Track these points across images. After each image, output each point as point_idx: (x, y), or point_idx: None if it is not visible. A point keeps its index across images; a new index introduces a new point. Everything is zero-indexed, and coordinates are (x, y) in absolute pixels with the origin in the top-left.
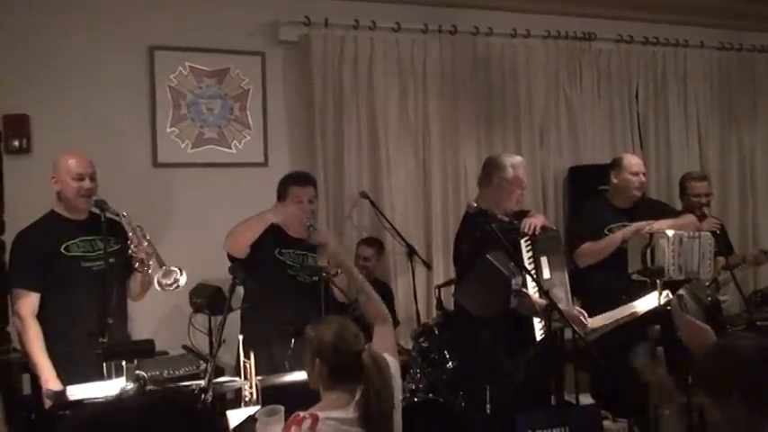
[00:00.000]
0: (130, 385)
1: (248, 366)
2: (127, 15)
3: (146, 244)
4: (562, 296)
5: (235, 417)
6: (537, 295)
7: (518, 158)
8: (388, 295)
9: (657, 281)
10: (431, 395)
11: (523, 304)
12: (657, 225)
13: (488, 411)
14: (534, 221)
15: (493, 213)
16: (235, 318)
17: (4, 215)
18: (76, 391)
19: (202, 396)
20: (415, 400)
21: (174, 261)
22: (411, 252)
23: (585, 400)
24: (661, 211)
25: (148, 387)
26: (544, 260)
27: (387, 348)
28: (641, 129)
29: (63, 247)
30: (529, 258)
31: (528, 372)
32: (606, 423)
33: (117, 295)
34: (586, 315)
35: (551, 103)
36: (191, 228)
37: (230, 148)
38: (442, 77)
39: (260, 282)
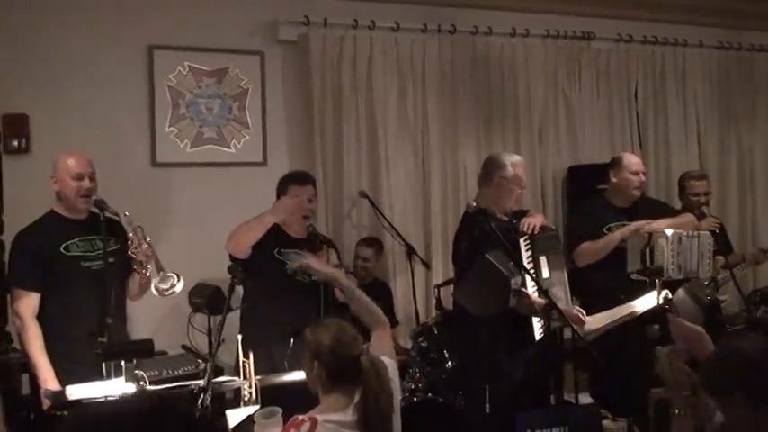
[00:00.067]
0: (132, 387)
1: (247, 366)
2: (126, 15)
3: (145, 246)
4: (561, 295)
5: (234, 416)
6: (536, 294)
7: (518, 158)
8: (387, 295)
9: (656, 280)
10: (430, 395)
11: (522, 303)
12: (656, 224)
13: (488, 411)
14: (533, 221)
15: (492, 213)
16: (234, 317)
17: (3, 215)
18: (75, 391)
19: (202, 395)
20: (415, 399)
21: (174, 261)
22: (410, 251)
23: (585, 399)
24: (660, 210)
25: (148, 388)
26: (543, 259)
27: (384, 351)
28: (640, 128)
29: (62, 246)
30: (528, 258)
31: (527, 371)
32: (605, 422)
33: (116, 295)
34: (585, 314)
35: (550, 103)
36: (190, 227)
37: (229, 148)
38: (442, 77)
39: (259, 281)
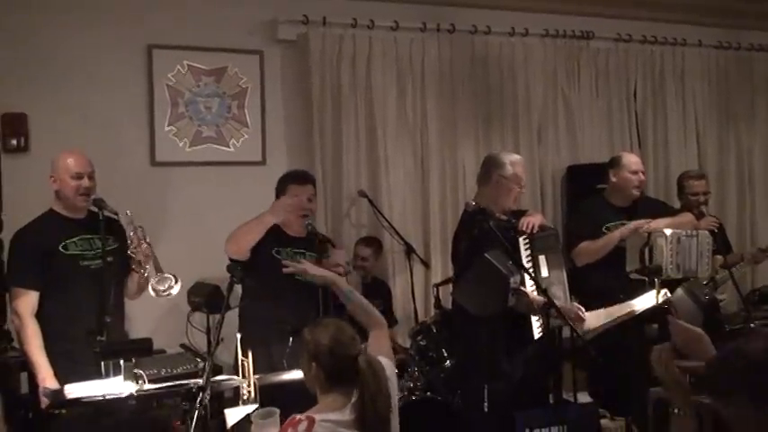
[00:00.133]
0: (131, 386)
1: (246, 365)
2: (125, 14)
3: (145, 246)
4: (560, 294)
5: (232, 415)
6: (535, 293)
7: (517, 157)
8: (386, 294)
9: (655, 279)
10: (429, 394)
11: (521, 302)
12: (655, 224)
13: (486, 410)
14: (532, 220)
15: (491, 212)
16: (233, 316)
17: (1, 214)
18: (74, 390)
19: (200, 394)
20: (413, 398)
21: (172, 259)
22: (409, 251)
23: (583, 398)
24: (659, 209)
25: (147, 386)
26: (542, 259)
27: (382, 351)
28: (639, 127)
29: (61, 245)
30: (527, 257)
31: (526, 370)
32: (604, 421)
33: (115, 294)
34: (584, 310)
35: (549, 102)
36: (188, 226)
37: (228, 147)
38: (441, 76)
39: (258, 280)
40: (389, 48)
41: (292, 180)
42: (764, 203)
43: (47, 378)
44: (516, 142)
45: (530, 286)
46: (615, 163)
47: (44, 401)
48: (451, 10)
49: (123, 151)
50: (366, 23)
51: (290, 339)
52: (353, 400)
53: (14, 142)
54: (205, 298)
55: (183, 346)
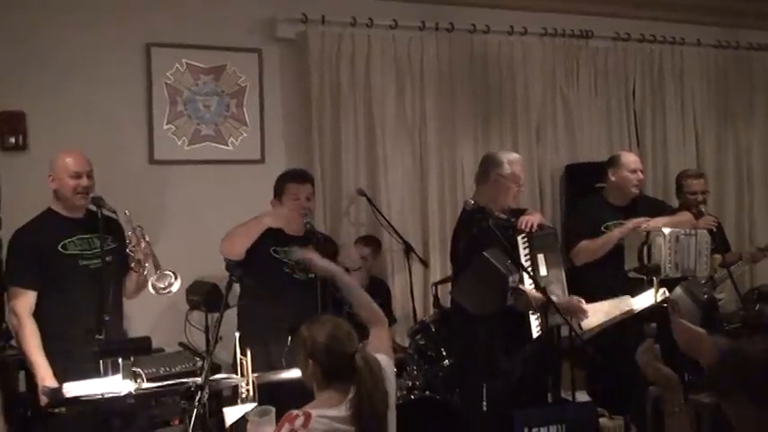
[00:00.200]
0: (129, 384)
1: (245, 363)
2: (124, 13)
3: (144, 245)
4: (559, 293)
5: (231, 414)
6: (533, 289)
7: (515, 155)
8: (384, 293)
9: (654, 278)
10: (427, 392)
11: (521, 301)
12: (654, 223)
13: (485, 409)
14: (531, 219)
15: (490, 211)
16: (231, 315)
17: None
18: (73, 389)
19: (199, 393)
20: (412, 397)
21: (171, 258)
22: (408, 249)
23: (582, 397)
24: (658, 208)
25: (145, 384)
26: (541, 257)
27: (382, 349)
28: (638, 126)
29: (60, 245)
30: (526, 256)
31: (524, 369)
32: (602, 420)
33: (113, 293)
34: (584, 302)
35: (548, 101)
36: (187, 225)
37: (227, 145)
38: (439, 75)
39: (256, 279)
40: (388, 46)
41: (291, 179)
42: (763, 202)
43: (46, 377)
44: (515, 141)
45: (528, 285)
46: (614, 162)
47: (43, 400)
48: (450, 9)
49: (122, 149)
50: (365, 22)
51: (289, 338)
52: (350, 396)
53: (13, 140)
54: (204, 297)
55: (181, 344)
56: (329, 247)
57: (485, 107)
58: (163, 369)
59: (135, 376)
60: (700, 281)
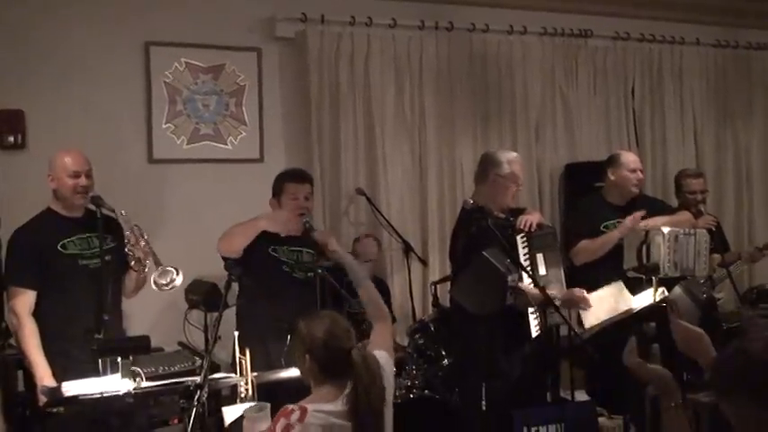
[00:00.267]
0: (128, 383)
1: (244, 363)
2: (123, 12)
3: (143, 243)
4: (558, 293)
5: (230, 413)
6: (531, 285)
7: (514, 154)
8: (384, 292)
9: (653, 278)
10: (426, 392)
11: (521, 300)
12: (653, 222)
13: (484, 408)
14: (530, 218)
15: (489, 210)
16: (230, 314)
17: None
18: (71, 388)
19: (198, 392)
20: (411, 396)
21: (170, 257)
22: (407, 249)
23: (581, 396)
24: (657, 208)
25: (144, 383)
26: (540, 257)
27: (382, 345)
28: (637, 126)
29: (60, 244)
30: (525, 255)
31: (524, 368)
32: (602, 420)
33: (113, 293)
34: (585, 292)
35: (547, 100)
36: (186, 224)
37: (226, 145)
38: (439, 74)
39: (255, 279)
40: (387, 45)
41: (289, 178)
42: (762, 202)
43: (45, 376)
44: (514, 140)
45: (528, 283)
46: (613, 161)
47: (42, 399)
48: (450, 8)
49: (121, 148)
50: (364, 21)
51: (288, 337)
52: (347, 391)
53: (11, 139)
54: (203, 296)
55: (180, 343)
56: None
57: (484, 106)
58: (162, 368)
59: (134, 375)
60: (699, 280)
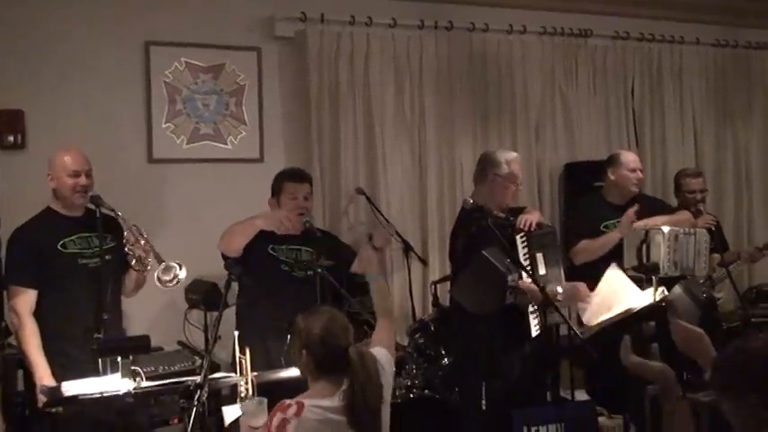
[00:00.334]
0: (128, 383)
1: (244, 362)
2: (123, 11)
3: (143, 242)
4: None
5: (230, 413)
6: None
7: (513, 154)
8: None
9: (653, 277)
10: (426, 391)
11: (521, 299)
12: (653, 221)
13: (484, 408)
14: (530, 218)
15: (489, 209)
16: (230, 314)
17: None
18: (71, 387)
19: (198, 392)
20: (411, 396)
21: (170, 257)
22: (407, 248)
23: (581, 396)
24: (657, 207)
25: (144, 383)
26: (540, 256)
27: (383, 342)
28: (637, 125)
29: (60, 244)
30: (524, 255)
31: (524, 368)
32: (602, 419)
33: (112, 292)
34: (585, 286)
35: (547, 100)
36: (186, 223)
37: (226, 144)
38: (438, 73)
39: (255, 278)
40: (387, 45)
41: (289, 178)
42: (761, 201)
43: (44, 376)
44: (514, 140)
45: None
46: (613, 161)
47: (41, 399)
48: (449, 7)
49: (121, 148)
50: (364, 20)
51: (288, 336)
52: (344, 387)
53: (11, 139)
54: (203, 295)
55: (180, 343)
56: (328, 242)
57: (484, 106)
58: (162, 368)
59: (134, 375)
60: (698, 280)
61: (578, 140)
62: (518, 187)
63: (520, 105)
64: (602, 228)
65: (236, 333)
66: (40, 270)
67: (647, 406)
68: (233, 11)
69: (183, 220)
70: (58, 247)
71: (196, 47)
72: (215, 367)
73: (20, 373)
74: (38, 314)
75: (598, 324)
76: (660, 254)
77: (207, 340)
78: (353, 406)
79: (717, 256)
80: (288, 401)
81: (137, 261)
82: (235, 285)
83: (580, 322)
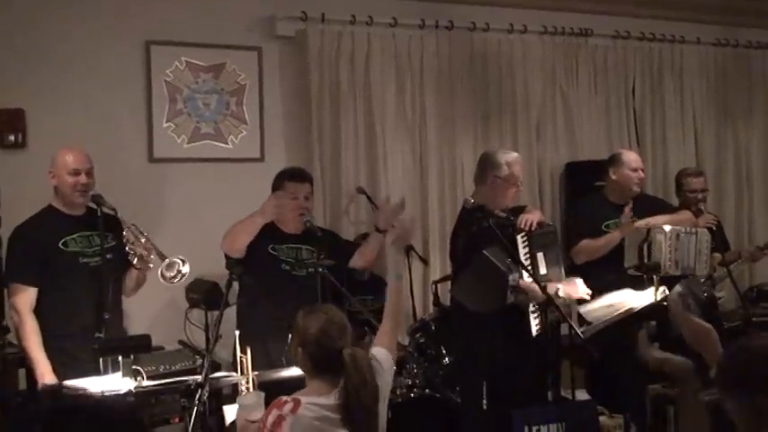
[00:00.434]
0: (129, 382)
1: (244, 361)
2: (123, 10)
3: (143, 240)
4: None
5: (231, 412)
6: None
7: (514, 155)
8: (384, 291)
9: (654, 276)
10: (427, 391)
11: (522, 298)
12: (654, 221)
13: (485, 407)
14: (530, 217)
15: (489, 209)
16: (231, 313)
17: None
18: (72, 386)
19: (199, 391)
20: (412, 395)
21: (171, 255)
22: (407, 248)
23: (582, 395)
24: (658, 207)
25: (145, 382)
26: (540, 256)
27: (384, 341)
28: (637, 124)
29: (61, 242)
30: (525, 254)
31: (524, 368)
32: (602, 419)
33: (113, 291)
34: (582, 281)
35: (548, 99)
36: (186, 223)
37: (226, 144)
38: (439, 73)
39: (256, 277)
40: (388, 44)
41: (289, 178)
42: (762, 201)
43: (45, 373)
44: (515, 139)
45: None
46: (615, 160)
47: (42, 398)
48: (450, 7)
49: (121, 147)
50: (365, 20)
51: (289, 336)
52: (340, 386)
53: (12, 138)
54: (203, 295)
55: (181, 342)
56: (329, 241)
57: (484, 105)
58: (163, 367)
59: (135, 374)
60: (699, 279)
61: (579, 140)
62: (518, 188)
63: (521, 105)
64: (603, 227)
65: (237, 332)
66: (41, 268)
67: (647, 405)
68: (234, 10)
69: (184, 219)
70: (60, 245)
71: (197, 46)
72: (216, 366)
73: (20, 372)
74: (38, 312)
75: (598, 324)
76: (661, 253)
77: (208, 339)
78: (348, 406)
79: (718, 255)
80: (284, 398)
81: (139, 259)
82: (235, 285)
83: (581, 322)
